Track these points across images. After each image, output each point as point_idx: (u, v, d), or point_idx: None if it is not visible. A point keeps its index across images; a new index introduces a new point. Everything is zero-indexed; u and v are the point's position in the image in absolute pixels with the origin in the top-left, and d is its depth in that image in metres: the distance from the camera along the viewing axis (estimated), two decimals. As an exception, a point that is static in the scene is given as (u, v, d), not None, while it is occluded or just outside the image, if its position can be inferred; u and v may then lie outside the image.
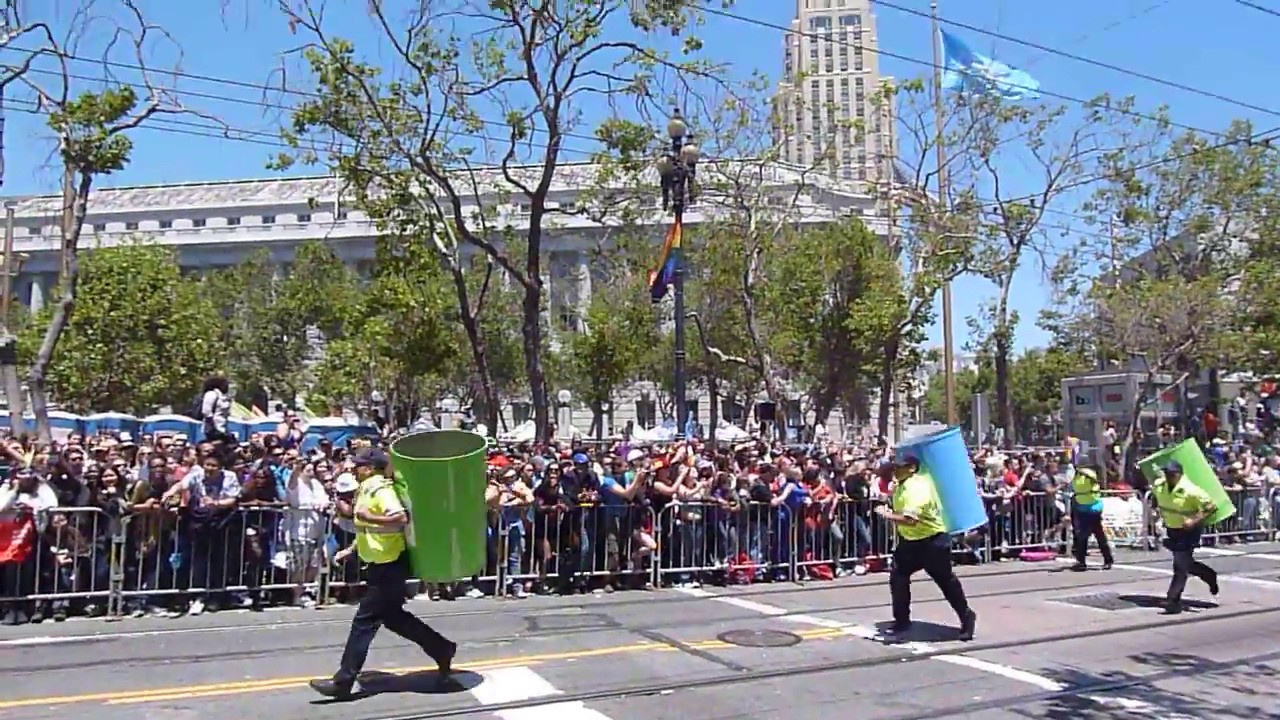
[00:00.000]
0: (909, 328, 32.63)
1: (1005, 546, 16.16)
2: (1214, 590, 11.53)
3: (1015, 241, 30.06)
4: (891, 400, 40.70)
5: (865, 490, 14.82)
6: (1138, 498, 18.28)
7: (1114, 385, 27.88)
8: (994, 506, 15.90)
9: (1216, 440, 26.35)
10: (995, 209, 30.19)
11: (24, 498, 10.08)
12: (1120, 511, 18.39)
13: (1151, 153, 30.06)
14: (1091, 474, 15.64)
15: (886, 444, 23.18)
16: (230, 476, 11.22)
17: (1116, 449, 23.20)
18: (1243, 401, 35.11)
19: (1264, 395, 33.64)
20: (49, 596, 10.17)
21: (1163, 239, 32.57)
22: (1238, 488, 19.15)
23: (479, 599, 11.89)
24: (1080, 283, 33.33)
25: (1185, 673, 8.04)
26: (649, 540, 12.87)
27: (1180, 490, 11.42)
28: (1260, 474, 20.09)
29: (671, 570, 13.04)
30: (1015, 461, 18.33)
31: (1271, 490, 19.87)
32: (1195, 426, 27.11)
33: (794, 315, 35.85)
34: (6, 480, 10.35)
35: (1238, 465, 20.20)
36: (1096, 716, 6.69)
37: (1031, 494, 16.74)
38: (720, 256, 31.55)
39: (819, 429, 38.66)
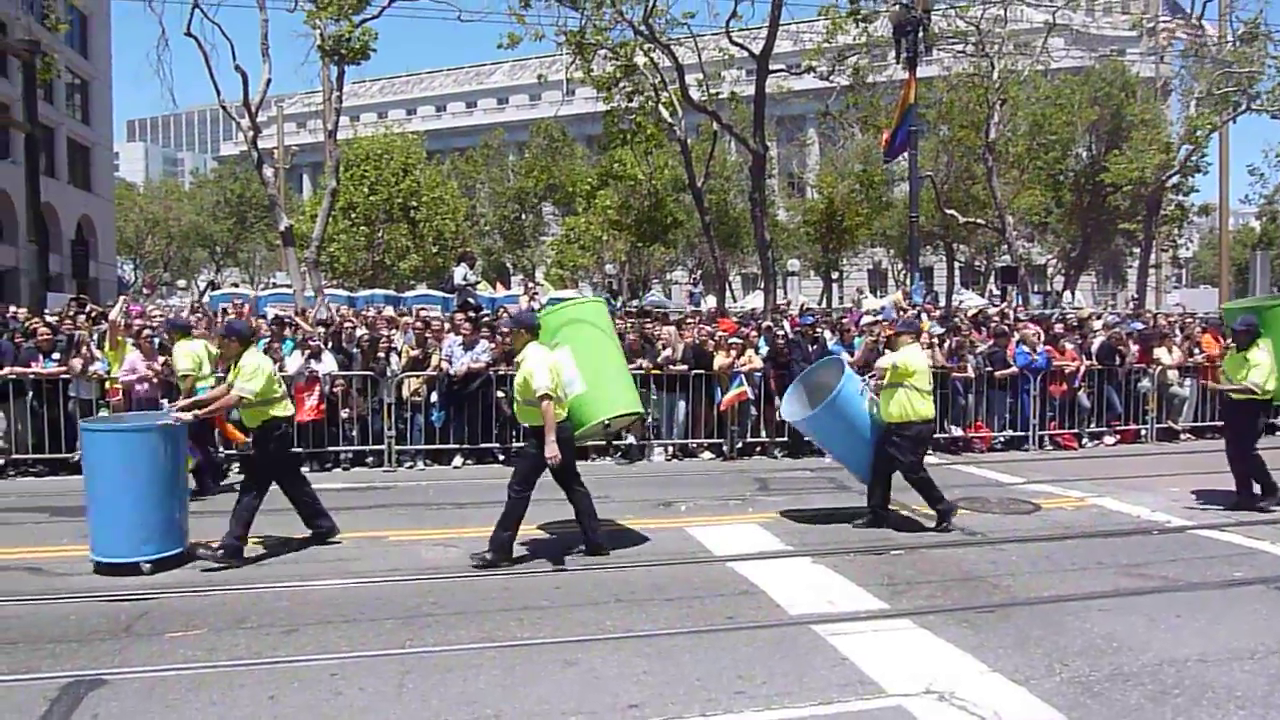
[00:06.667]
0: (1176, 179, 29.48)
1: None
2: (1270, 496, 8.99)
3: (1315, 74, 26.01)
4: (1154, 262, 37.26)
5: (1119, 358, 13.83)
6: None
7: None
8: None
9: None
10: (1290, 37, 26.15)
11: (311, 363, 11.41)
12: None
13: None
14: None
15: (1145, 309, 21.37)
16: (483, 343, 12.12)
17: None
18: None
19: None
20: (336, 449, 11.59)
21: None
22: None
23: (709, 460, 12.34)
24: (1397, 120, 28.56)
25: None
26: (880, 406, 12.70)
27: (1246, 359, 8.91)
28: None
29: (904, 437, 12.84)
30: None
31: None
32: None
33: (1041, 172, 33.25)
34: (296, 348, 11.75)
35: None
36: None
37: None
38: (959, 111, 29.52)
39: (1068, 295, 36.20)
